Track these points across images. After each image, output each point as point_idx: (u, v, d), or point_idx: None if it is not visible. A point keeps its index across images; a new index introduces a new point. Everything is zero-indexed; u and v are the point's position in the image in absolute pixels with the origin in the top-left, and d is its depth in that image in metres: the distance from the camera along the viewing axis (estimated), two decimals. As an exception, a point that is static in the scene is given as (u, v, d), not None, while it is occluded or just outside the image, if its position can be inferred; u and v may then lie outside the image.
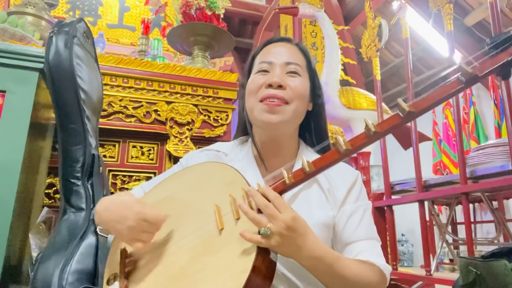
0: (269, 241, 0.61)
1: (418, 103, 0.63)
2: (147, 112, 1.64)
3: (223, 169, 0.74)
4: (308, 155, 0.85)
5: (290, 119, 0.83)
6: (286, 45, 0.90)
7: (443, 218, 3.83)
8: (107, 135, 1.57)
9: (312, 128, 0.92)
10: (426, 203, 2.07)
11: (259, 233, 0.60)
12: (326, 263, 0.66)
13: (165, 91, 1.68)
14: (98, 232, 1.00)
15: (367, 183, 2.44)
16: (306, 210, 0.64)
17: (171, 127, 1.65)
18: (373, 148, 2.54)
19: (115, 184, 1.58)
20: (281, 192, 0.66)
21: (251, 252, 0.58)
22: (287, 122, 0.83)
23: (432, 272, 1.93)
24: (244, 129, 0.94)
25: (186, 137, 1.66)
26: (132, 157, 1.63)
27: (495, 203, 3.27)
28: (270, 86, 0.82)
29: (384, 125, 0.64)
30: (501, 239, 2.48)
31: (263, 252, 0.59)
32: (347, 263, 0.70)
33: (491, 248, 1.41)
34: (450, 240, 2.76)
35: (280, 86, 0.82)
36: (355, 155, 2.54)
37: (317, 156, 0.69)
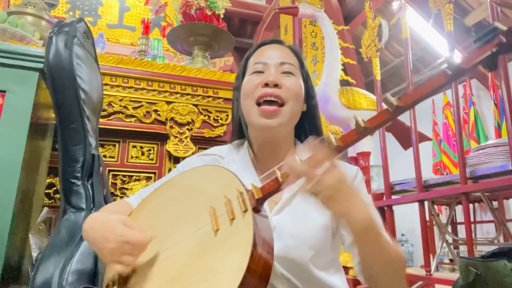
0: (321, 193, 0.61)
1: (406, 97, 0.63)
2: (147, 112, 1.64)
3: (218, 171, 0.74)
4: (303, 156, 0.85)
5: (288, 121, 0.83)
6: (279, 46, 0.90)
7: (443, 218, 3.83)
8: (107, 135, 1.57)
9: (307, 129, 0.92)
10: (426, 203, 2.07)
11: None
12: (376, 230, 0.63)
13: (165, 91, 1.68)
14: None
15: (367, 183, 2.44)
16: (304, 211, 0.63)
17: (171, 127, 1.65)
18: (373, 148, 2.54)
19: (115, 184, 1.58)
20: (275, 191, 0.65)
21: (246, 251, 0.57)
22: (285, 124, 0.83)
23: (432, 272, 1.93)
24: (240, 132, 0.93)
25: (186, 137, 1.66)
26: (132, 157, 1.63)
27: (495, 203, 3.27)
28: (266, 85, 0.82)
29: (374, 120, 0.63)
30: (501, 239, 2.48)
31: (258, 250, 0.59)
32: (388, 237, 0.66)
33: (491, 248, 1.41)
34: (450, 240, 2.76)
35: (276, 85, 0.81)
36: (355, 155, 2.54)
37: None
